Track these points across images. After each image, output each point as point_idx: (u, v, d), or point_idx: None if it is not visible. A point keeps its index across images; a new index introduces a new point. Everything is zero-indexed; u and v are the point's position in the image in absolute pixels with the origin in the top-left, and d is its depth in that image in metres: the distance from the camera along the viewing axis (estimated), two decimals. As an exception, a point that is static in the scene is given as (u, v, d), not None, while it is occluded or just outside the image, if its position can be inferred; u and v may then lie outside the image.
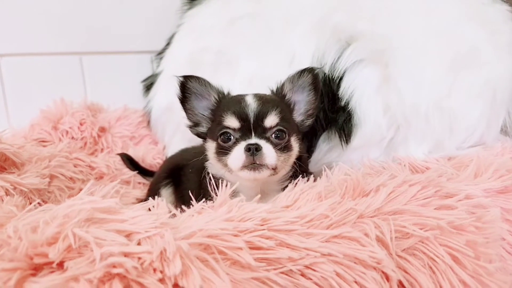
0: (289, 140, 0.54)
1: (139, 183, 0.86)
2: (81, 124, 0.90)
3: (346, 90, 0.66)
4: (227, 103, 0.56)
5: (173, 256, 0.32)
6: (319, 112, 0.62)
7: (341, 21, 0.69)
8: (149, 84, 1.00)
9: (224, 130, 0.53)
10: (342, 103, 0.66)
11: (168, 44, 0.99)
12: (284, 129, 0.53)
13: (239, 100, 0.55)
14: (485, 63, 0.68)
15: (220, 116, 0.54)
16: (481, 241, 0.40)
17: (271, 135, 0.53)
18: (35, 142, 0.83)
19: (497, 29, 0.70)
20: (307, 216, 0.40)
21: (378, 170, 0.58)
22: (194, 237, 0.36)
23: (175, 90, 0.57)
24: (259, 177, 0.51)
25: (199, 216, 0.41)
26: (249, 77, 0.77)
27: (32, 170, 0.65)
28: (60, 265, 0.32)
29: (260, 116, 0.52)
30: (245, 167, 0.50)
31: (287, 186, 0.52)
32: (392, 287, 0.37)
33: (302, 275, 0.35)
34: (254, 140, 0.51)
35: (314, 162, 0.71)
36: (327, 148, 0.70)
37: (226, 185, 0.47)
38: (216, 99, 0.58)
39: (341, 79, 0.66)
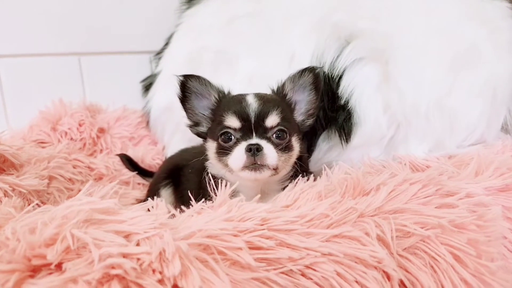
0: (290, 140, 0.54)
1: (139, 183, 0.85)
2: (80, 125, 0.90)
3: (345, 88, 0.65)
4: (228, 102, 0.55)
5: (172, 257, 0.32)
6: (319, 111, 0.62)
7: (341, 19, 0.69)
8: (148, 84, 1.00)
9: (225, 130, 0.53)
10: (342, 102, 0.66)
11: (166, 44, 0.99)
12: (285, 129, 0.53)
13: (240, 99, 0.54)
14: (485, 62, 0.67)
15: (221, 116, 0.54)
16: (482, 239, 0.40)
17: (272, 135, 0.53)
18: (34, 143, 0.83)
19: (497, 27, 0.70)
20: (307, 215, 0.40)
21: (379, 169, 0.58)
22: (193, 237, 0.35)
23: (175, 89, 0.57)
24: (260, 177, 0.51)
25: (199, 216, 0.41)
26: (248, 76, 0.76)
27: (31, 172, 0.64)
28: (59, 266, 0.32)
29: (261, 116, 0.52)
30: (246, 167, 0.50)
31: (287, 185, 0.52)
32: (393, 287, 0.36)
33: (303, 275, 0.35)
34: (255, 140, 0.51)
35: (314, 161, 0.71)
36: (327, 147, 0.70)
37: (226, 185, 0.46)
38: (216, 99, 0.57)
39: (340, 77, 0.66)
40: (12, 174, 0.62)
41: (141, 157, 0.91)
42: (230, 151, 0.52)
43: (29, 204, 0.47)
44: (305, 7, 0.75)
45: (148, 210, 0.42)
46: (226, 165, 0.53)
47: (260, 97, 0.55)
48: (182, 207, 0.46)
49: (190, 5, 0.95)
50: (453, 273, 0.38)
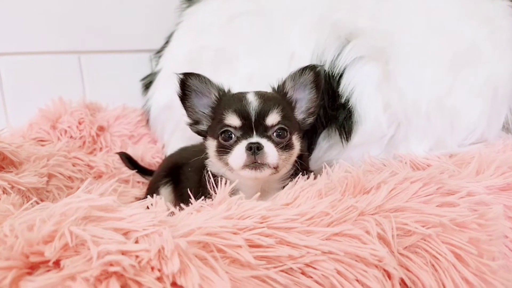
0: (290, 139, 0.54)
1: (138, 182, 0.85)
2: (79, 123, 0.89)
3: (346, 87, 0.65)
4: (228, 101, 0.55)
5: (171, 254, 0.31)
6: (319, 110, 0.62)
7: (341, 18, 0.69)
8: (148, 83, 1.00)
9: (225, 129, 0.53)
10: (342, 100, 0.66)
11: (167, 42, 0.98)
12: (286, 128, 0.53)
13: (240, 98, 0.54)
14: (486, 61, 0.67)
15: (221, 114, 0.53)
16: (484, 238, 0.40)
17: (273, 133, 0.52)
18: (33, 141, 0.83)
19: (498, 26, 0.70)
20: (307, 213, 0.40)
21: (379, 167, 0.58)
22: (192, 235, 0.35)
23: (175, 87, 0.57)
24: (260, 176, 0.51)
25: (198, 214, 0.41)
26: (248, 75, 0.76)
27: (30, 169, 0.64)
28: (57, 263, 0.32)
29: (262, 114, 0.52)
30: (246, 166, 0.50)
31: (287, 184, 0.51)
32: (394, 285, 0.36)
33: (303, 273, 0.35)
34: (255, 138, 0.51)
35: (314, 160, 0.71)
36: (327, 145, 0.70)
37: (226, 183, 0.46)
38: (216, 97, 0.57)
39: (341, 76, 0.65)
40: (11, 171, 0.61)
41: (140, 156, 0.90)
42: (231, 149, 0.52)
43: (28, 202, 0.47)
44: (305, 6, 0.74)
45: (147, 207, 0.41)
46: (226, 164, 0.53)
47: (260, 95, 0.54)
48: (182, 205, 0.45)
49: (191, 4, 0.94)
50: (454, 272, 0.38)
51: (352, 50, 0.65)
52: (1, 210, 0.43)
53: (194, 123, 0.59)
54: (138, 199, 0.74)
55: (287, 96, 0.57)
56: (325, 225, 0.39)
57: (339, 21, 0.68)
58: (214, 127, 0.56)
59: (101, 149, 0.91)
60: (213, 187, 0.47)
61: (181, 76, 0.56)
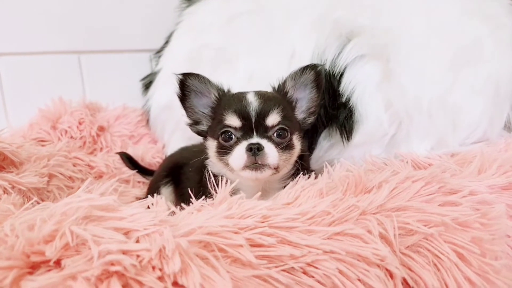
0: (291, 139, 0.53)
1: (139, 182, 0.85)
2: (80, 123, 0.89)
3: (347, 86, 0.65)
4: (228, 101, 0.55)
5: (172, 254, 0.31)
6: (320, 109, 0.61)
7: (341, 16, 0.68)
8: (148, 83, 1.00)
9: (225, 129, 0.53)
10: (343, 100, 0.65)
11: (167, 42, 0.98)
12: (286, 128, 0.53)
13: (240, 98, 0.54)
14: (488, 58, 0.67)
15: (221, 115, 0.53)
16: (486, 237, 0.40)
17: (273, 134, 0.52)
18: (34, 142, 0.83)
19: (500, 23, 0.69)
20: (308, 213, 0.40)
21: (380, 166, 0.57)
22: (193, 234, 0.35)
23: (175, 88, 0.57)
24: (261, 177, 0.51)
25: (199, 214, 0.40)
26: (248, 74, 0.76)
27: (31, 169, 0.64)
28: (58, 263, 0.32)
29: (262, 114, 0.51)
30: (246, 167, 0.50)
31: (288, 184, 0.51)
32: (396, 285, 0.36)
33: (304, 272, 0.35)
34: (255, 139, 0.51)
35: (315, 159, 0.70)
36: (328, 145, 0.70)
37: (226, 183, 0.46)
38: (216, 97, 0.57)
39: (342, 75, 0.65)
40: (12, 172, 0.61)
41: (141, 156, 0.90)
42: (231, 150, 0.52)
43: (28, 202, 0.47)
44: (306, 5, 0.74)
45: (148, 207, 0.41)
46: (227, 164, 0.52)
47: (260, 95, 0.54)
48: (182, 204, 0.45)
49: (190, 3, 0.94)
50: (457, 272, 0.37)
51: (353, 49, 0.65)
52: (1, 210, 0.42)
53: (194, 123, 0.59)
54: (139, 199, 0.74)
55: (288, 95, 0.57)
56: (327, 224, 0.39)
57: (339, 20, 0.68)
58: (214, 128, 0.55)
59: (101, 149, 0.91)
60: (214, 186, 0.46)
61: (180, 77, 0.56)
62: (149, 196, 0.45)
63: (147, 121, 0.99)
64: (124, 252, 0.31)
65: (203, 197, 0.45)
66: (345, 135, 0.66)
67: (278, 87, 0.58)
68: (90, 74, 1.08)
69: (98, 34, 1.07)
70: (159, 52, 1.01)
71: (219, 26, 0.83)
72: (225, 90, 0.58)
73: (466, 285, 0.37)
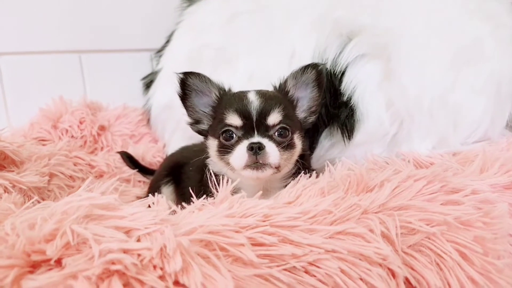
0: (292, 138, 0.53)
1: (139, 181, 0.85)
2: (80, 122, 0.89)
3: (348, 85, 0.65)
4: (229, 100, 0.55)
5: (173, 253, 0.31)
6: (321, 108, 0.61)
7: (342, 15, 0.68)
8: (148, 82, 1.00)
9: (226, 128, 0.52)
10: (344, 99, 0.65)
11: (167, 41, 0.98)
12: (287, 127, 0.53)
13: (241, 97, 0.54)
14: (489, 57, 0.66)
15: (222, 114, 0.53)
16: (489, 237, 0.39)
17: (274, 133, 0.52)
18: (34, 141, 0.83)
19: (500, 23, 0.69)
20: (310, 212, 0.40)
21: (382, 165, 0.57)
22: (194, 233, 0.35)
23: (175, 87, 0.56)
24: (262, 176, 0.51)
25: (200, 213, 0.40)
26: (248, 74, 0.76)
27: (32, 169, 0.64)
28: (58, 262, 0.32)
29: (263, 113, 0.51)
30: (248, 166, 0.50)
31: (289, 183, 0.51)
32: (398, 284, 0.36)
33: (306, 272, 0.34)
34: (256, 138, 0.51)
35: (316, 158, 0.70)
36: (329, 144, 0.69)
37: (227, 182, 0.46)
38: (217, 96, 0.57)
39: (343, 74, 0.65)
40: (13, 171, 0.61)
41: (141, 155, 0.90)
42: (232, 149, 0.51)
43: (29, 201, 0.47)
44: (306, 4, 0.74)
45: (149, 206, 0.41)
46: (228, 164, 0.52)
47: (261, 94, 0.54)
48: (183, 203, 0.45)
49: (191, 3, 0.94)
50: (459, 271, 0.37)
51: (354, 48, 0.65)
52: (2, 209, 0.42)
53: (194, 123, 0.59)
54: (140, 198, 0.74)
55: (289, 94, 0.57)
56: (328, 223, 0.39)
57: (340, 19, 0.68)
58: (215, 127, 0.55)
59: (102, 148, 0.91)
60: (215, 185, 0.46)
61: (181, 76, 0.56)
62: (149, 195, 0.45)
63: (148, 120, 0.99)
64: (125, 251, 0.31)
65: (204, 196, 0.45)
66: (346, 134, 0.66)
67: (279, 86, 0.58)
68: (91, 73, 1.08)
69: (99, 34, 1.07)
70: (159, 51, 1.01)
71: (219, 25, 0.83)
72: (226, 89, 0.58)
73: (469, 285, 0.37)
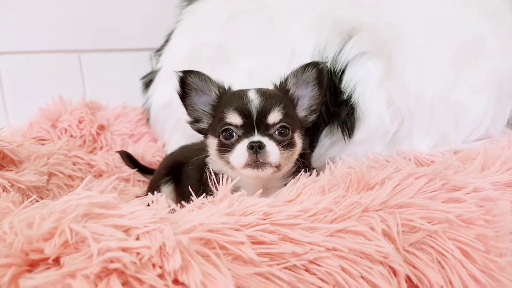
0: (292, 137, 0.53)
1: (139, 180, 0.85)
2: (80, 122, 0.89)
3: (348, 83, 0.64)
4: (229, 98, 0.54)
5: (172, 251, 0.31)
6: (321, 106, 0.61)
7: (342, 13, 0.68)
8: (148, 81, 0.99)
9: (226, 127, 0.52)
10: (345, 97, 0.65)
11: (167, 40, 0.98)
12: (288, 126, 0.52)
13: (241, 95, 0.53)
14: (490, 55, 0.66)
15: (222, 112, 0.53)
16: (491, 234, 0.39)
17: (274, 131, 0.52)
18: (33, 141, 0.82)
19: (502, 20, 0.69)
20: (310, 210, 0.39)
21: (383, 163, 0.57)
22: (194, 231, 0.35)
23: (175, 85, 0.56)
24: (262, 175, 0.51)
25: (200, 211, 0.40)
26: (248, 73, 0.76)
27: (31, 168, 0.64)
28: (57, 261, 0.31)
29: (263, 112, 0.51)
30: (248, 165, 0.50)
31: (289, 182, 0.51)
32: (400, 283, 0.35)
33: (307, 270, 0.34)
34: (257, 137, 0.50)
35: (316, 157, 0.70)
36: (329, 142, 0.69)
37: (227, 180, 0.45)
38: (217, 94, 0.57)
39: (343, 72, 0.65)
40: (12, 170, 0.61)
41: (141, 154, 0.90)
42: (232, 148, 0.51)
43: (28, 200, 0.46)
44: (306, 3, 0.74)
45: (148, 205, 0.41)
46: (228, 163, 0.52)
47: (262, 92, 0.54)
48: (183, 202, 0.45)
49: (191, 2, 0.94)
50: (461, 269, 0.37)
51: (354, 46, 0.64)
52: (0, 208, 0.42)
53: (194, 121, 0.59)
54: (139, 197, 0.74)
55: (289, 93, 0.57)
56: (329, 221, 0.39)
57: (340, 17, 0.68)
58: (215, 125, 0.55)
59: (101, 148, 0.91)
60: (215, 184, 0.46)
61: (181, 74, 0.55)
62: (149, 194, 0.45)
63: (147, 119, 0.99)
64: (124, 250, 0.31)
65: (204, 195, 0.45)
66: (347, 133, 0.66)
67: (280, 85, 0.58)
68: (90, 73, 1.07)
69: (99, 33, 1.07)
70: (159, 50, 1.01)
71: (219, 24, 0.83)
72: (226, 88, 0.58)
73: (471, 283, 0.36)
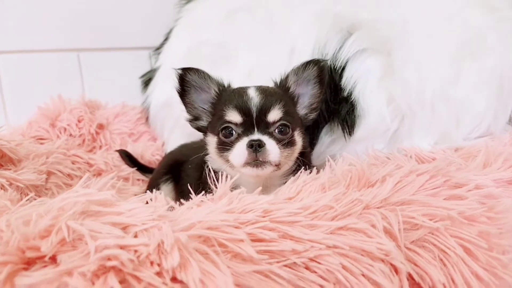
0: (292, 135, 0.53)
1: (138, 179, 0.85)
2: (79, 121, 0.89)
3: (348, 80, 0.64)
4: (228, 96, 0.54)
5: (170, 249, 0.30)
6: (321, 104, 0.60)
7: (342, 10, 0.68)
8: (147, 80, 0.99)
9: (226, 125, 0.52)
10: (345, 94, 0.65)
11: (166, 39, 0.98)
12: (288, 124, 0.52)
13: (241, 93, 0.53)
14: (492, 51, 0.66)
15: (221, 110, 0.52)
16: (494, 232, 0.39)
17: (274, 130, 0.51)
18: (32, 140, 0.82)
19: (503, 16, 0.68)
20: (311, 207, 0.39)
21: (384, 160, 0.56)
22: (193, 229, 0.34)
23: (174, 83, 0.56)
24: (261, 174, 0.50)
25: (199, 208, 0.40)
26: (248, 70, 0.75)
27: (29, 167, 0.64)
28: (53, 259, 0.31)
29: (263, 110, 0.50)
30: (247, 163, 0.49)
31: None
32: (401, 280, 0.35)
33: (307, 268, 0.34)
34: (256, 135, 0.50)
35: (316, 155, 0.69)
36: (329, 140, 0.69)
37: (226, 178, 0.45)
38: (216, 92, 0.56)
39: (343, 69, 0.64)
40: (10, 169, 0.61)
41: (140, 153, 0.90)
42: (231, 146, 0.51)
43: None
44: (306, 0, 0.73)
45: (147, 202, 0.40)
46: (227, 161, 0.52)
47: (262, 90, 0.53)
48: (182, 200, 0.44)
49: (189, 0, 0.94)
50: (463, 267, 0.36)
51: (354, 43, 0.64)
52: (-2, 206, 0.42)
53: (193, 119, 0.58)
54: (138, 196, 0.73)
55: (290, 91, 0.56)
56: (329, 219, 0.38)
57: (340, 13, 0.67)
58: (214, 123, 0.55)
59: (100, 147, 0.90)
60: (214, 182, 0.46)
61: (180, 71, 0.55)
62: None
63: (147, 118, 0.98)
64: (122, 247, 0.30)
65: (203, 193, 0.45)
66: (347, 130, 0.66)
67: (280, 82, 0.57)
68: (90, 71, 1.07)
69: (97, 32, 1.06)
70: (158, 49, 1.01)
71: (218, 22, 0.83)
72: (226, 85, 0.57)
73: (473, 280, 0.36)
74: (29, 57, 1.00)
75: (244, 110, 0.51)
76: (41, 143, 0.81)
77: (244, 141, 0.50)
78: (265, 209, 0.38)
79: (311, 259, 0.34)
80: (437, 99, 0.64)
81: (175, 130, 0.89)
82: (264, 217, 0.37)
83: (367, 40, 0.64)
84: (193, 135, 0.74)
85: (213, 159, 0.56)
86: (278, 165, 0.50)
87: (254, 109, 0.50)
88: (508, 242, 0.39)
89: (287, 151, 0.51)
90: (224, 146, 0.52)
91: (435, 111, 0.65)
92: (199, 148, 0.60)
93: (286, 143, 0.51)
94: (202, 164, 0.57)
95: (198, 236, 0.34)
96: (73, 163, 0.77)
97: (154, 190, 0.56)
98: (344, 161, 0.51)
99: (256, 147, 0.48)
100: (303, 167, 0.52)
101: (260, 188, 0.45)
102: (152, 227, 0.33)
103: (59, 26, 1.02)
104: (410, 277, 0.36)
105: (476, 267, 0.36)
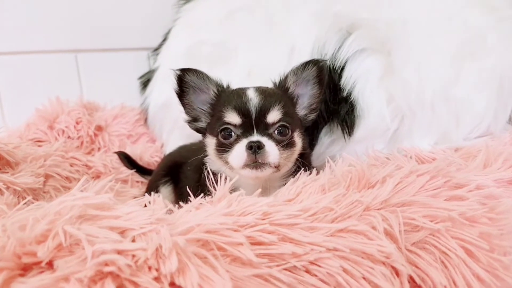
0: (292, 136, 0.52)
1: (137, 181, 0.84)
2: (77, 123, 0.88)
3: (348, 80, 0.64)
4: (227, 97, 0.54)
5: (169, 253, 0.30)
6: (320, 104, 0.60)
7: (342, 9, 0.67)
8: (145, 81, 0.99)
9: (225, 126, 0.51)
10: (344, 94, 0.64)
11: (164, 39, 0.97)
12: (287, 125, 0.51)
13: (240, 94, 0.52)
14: (492, 51, 0.66)
15: (220, 111, 0.52)
16: (495, 233, 0.38)
17: (274, 131, 0.51)
18: (30, 142, 0.82)
19: (503, 15, 0.68)
20: (310, 209, 0.38)
21: (384, 161, 0.56)
22: (191, 232, 0.34)
23: (173, 84, 0.55)
24: (261, 175, 0.50)
25: (197, 211, 0.39)
26: (247, 70, 0.75)
27: (27, 170, 0.63)
28: (50, 264, 0.30)
29: (263, 111, 0.50)
30: (246, 165, 0.49)
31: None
32: (402, 283, 0.35)
33: (307, 271, 0.33)
34: (256, 137, 0.49)
35: (316, 156, 0.69)
36: (329, 141, 0.68)
37: (225, 180, 0.45)
38: (215, 93, 0.56)
39: (342, 69, 0.64)
40: (7, 172, 0.60)
41: (139, 155, 0.89)
42: (230, 148, 0.50)
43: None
44: (305, -1, 0.73)
45: (145, 205, 0.40)
46: (226, 162, 0.51)
47: (261, 91, 0.53)
48: (181, 203, 0.44)
49: (188, 0, 0.93)
50: (465, 268, 0.36)
51: (353, 43, 0.64)
52: (-6, 210, 0.41)
53: (192, 120, 0.58)
54: (137, 198, 0.73)
55: (289, 91, 0.56)
56: (329, 221, 0.38)
57: (340, 13, 0.67)
58: (213, 125, 0.54)
59: (99, 149, 0.90)
60: (213, 184, 0.45)
61: (179, 72, 0.54)
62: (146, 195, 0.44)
63: (145, 120, 0.98)
64: (119, 252, 0.30)
65: (202, 195, 0.44)
66: (347, 131, 0.65)
67: (279, 83, 0.57)
68: (88, 73, 1.07)
69: (95, 33, 1.06)
70: (157, 49, 1.00)
71: (217, 22, 0.82)
72: (225, 86, 0.57)
73: (475, 282, 0.36)
74: (26, 58, 0.99)
75: (243, 111, 0.50)
76: (39, 146, 0.81)
77: (243, 142, 0.49)
78: (265, 211, 0.37)
79: (312, 262, 0.33)
80: (437, 99, 0.64)
81: (174, 131, 0.88)
82: (263, 219, 0.36)
83: (366, 40, 0.64)
84: (192, 137, 0.73)
85: (212, 160, 0.56)
86: (277, 167, 0.50)
87: (253, 110, 0.50)
88: (509, 243, 0.39)
89: (287, 153, 0.51)
90: (223, 148, 0.51)
91: (435, 111, 0.64)
92: (198, 149, 0.59)
93: (286, 144, 0.51)
94: (201, 166, 0.57)
95: (196, 240, 0.33)
96: (71, 166, 0.76)
97: (153, 192, 0.56)
98: (344, 162, 0.51)
99: (255, 148, 0.48)
100: (302, 168, 0.52)
101: (260, 190, 0.45)
102: (150, 231, 0.33)
103: (56, 27, 1.01)
104: (411, 279, 0.36)
105: (477, 269, 0.36)
